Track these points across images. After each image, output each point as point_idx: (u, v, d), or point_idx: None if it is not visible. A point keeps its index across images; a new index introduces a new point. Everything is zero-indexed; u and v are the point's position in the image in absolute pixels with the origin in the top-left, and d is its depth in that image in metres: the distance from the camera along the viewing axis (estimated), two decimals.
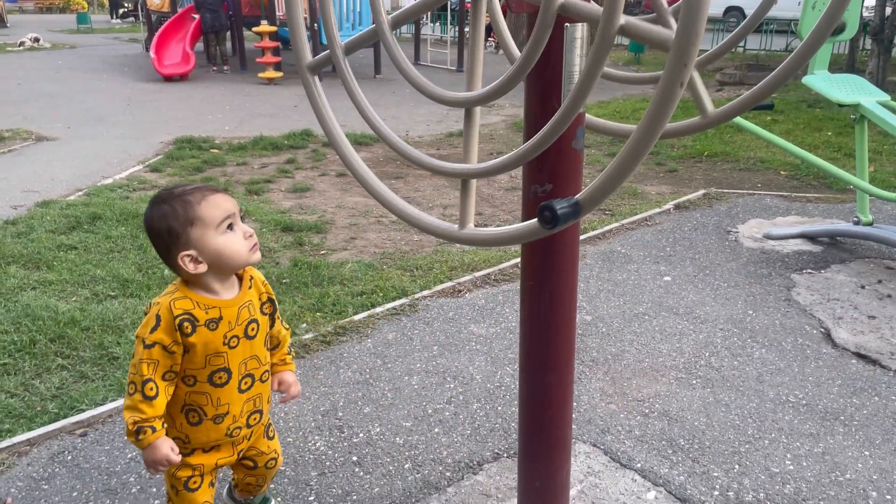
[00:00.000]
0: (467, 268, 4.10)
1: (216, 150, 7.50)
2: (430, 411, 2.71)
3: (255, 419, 1.77)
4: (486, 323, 3.44)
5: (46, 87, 12.16)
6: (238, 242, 1.61)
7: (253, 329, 1.69)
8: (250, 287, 1.71)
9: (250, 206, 5.39)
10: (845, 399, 2.81)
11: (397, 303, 3.62)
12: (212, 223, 1.57)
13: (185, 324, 1.57)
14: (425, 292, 3.73)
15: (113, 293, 3.85)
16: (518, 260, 4.17)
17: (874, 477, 2.36)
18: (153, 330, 1.56)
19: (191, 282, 1.62)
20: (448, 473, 2.36)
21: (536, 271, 1.79)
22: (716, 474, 2.38)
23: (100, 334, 3.34)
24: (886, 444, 2.52)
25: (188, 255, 1.57)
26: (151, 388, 1.56)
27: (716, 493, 2.29)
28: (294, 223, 5.00)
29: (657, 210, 5.19)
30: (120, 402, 2.75)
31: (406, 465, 2.39)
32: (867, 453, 2.48)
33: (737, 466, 2.42)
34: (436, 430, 2.60)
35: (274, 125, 8.87)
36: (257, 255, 1.65)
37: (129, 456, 2.47)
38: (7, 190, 5.90)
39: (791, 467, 2.41)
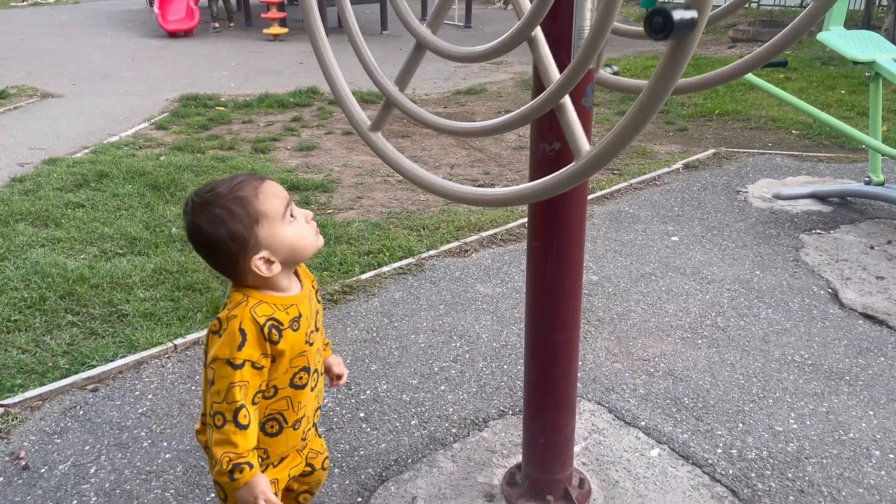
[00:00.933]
0: (474, 227, 4.09)
1: (222, 108, 7.45)
2: (436, 369, 2.73)
3: (317, 416, 1.65)
4: (493, 283, 3.45)
5: (50, 44, 12.04)
6: (306, 230, 1.46)
7: (320, 319, 1.57)
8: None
9: (256, 165, 5.37)
10: (851, 359, 2.82)
11: (404, 262, 3.62)
12: (277, 215, 1.40)
13: (273, 331, 1.39)
14: (431, 252, 3.73)
15: (121, 251, 3.87)
16: (524, 220, 4.16)
17: (877, 436, 2.38)
18: (241, 346, 1.35)
19: (258, 285, 1.44)
20: (454, 430, 2.39)
21: (543, 231, 1.78)
22: (719, 432, 2.40)
23: (109, 291, 3.36)
24: (891, 405, 2.54)
25: (261, 258, 1.39)
26: (245, 416, 1.36)
27: (719, 450, 2.31)
28: (300, 182, 4.98)
29: (666, 170, 5.14)
30: (130, 358, 2.78)
31: (413, 422, 2.42)
32: (871, 413, 2.50)
33: (740, 425, 2.44)
34: (442, 387, 2.63)
35: (279, 82, 8.78)
36: (321, 239, 1.51)
37: (140, 411, 2.51)
38: (14, 147, 5.89)
39: (794, 426, 2.43)
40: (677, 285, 3.44)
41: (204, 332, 2.96)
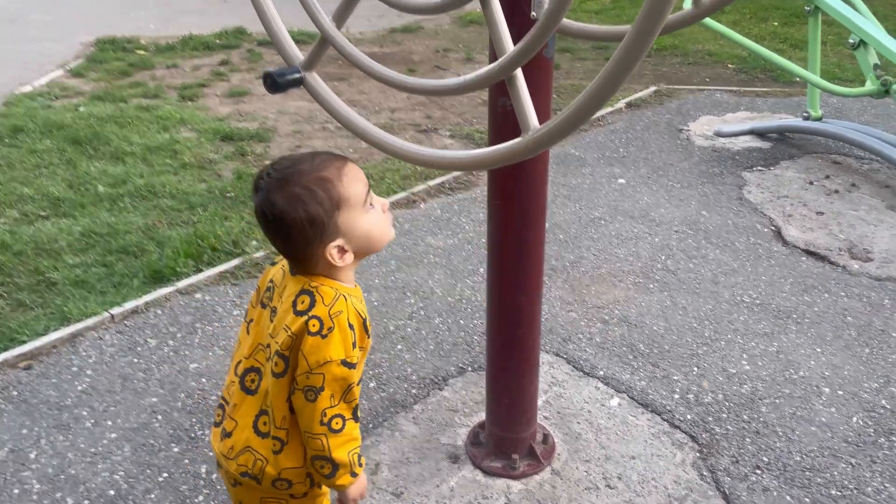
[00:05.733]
0: (420, 176, 3.98)
1: (142, 52, 6.99)
2: (391, 328, 2.67)
3: None
4: (444, 234, 3.37)
5: None
6: (383, 220, 1.35)
7: None
8: None
9: (185, 114, 5.08)
10: (797, 297, 2.88)
11: None
12: (358, 202, 1.28)
13: (368, 323, 1.33)
14: None
15: (44, 213, 3.62)
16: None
17: (826, 373, 2.44)
18: (354, 344, 1.27)
19: (325, 274, 1.32)
20: (414, 390, 2.35)
21: (504, 191, 1.71)
22: (675, 377, 2.43)
23: (34, 258, 3.15)
24: (837, 341, 2.61)
25: (336, 246, 1.27)
26: (359, 409, 1.34)
27: (676, 396, 2.34)
28: (234, 132, 4.74)
29: (609, 110, 5.10)
30: (63, 331, 2.61)
31: (371, 385, 2.36)
32: (819, 350, 2.56)
33: (695, 369, 2.47)
34: (399, 346, 2.57)
35: (204, 22, 8.29)
36: (394, 231, 1.40)
37: (80, 388, 2.36)
38: None
39: (747, 367, 2.48)
40: (626, 229, 3.44)
41: (142, 300, 2.81)
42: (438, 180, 3.92)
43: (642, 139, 4.58)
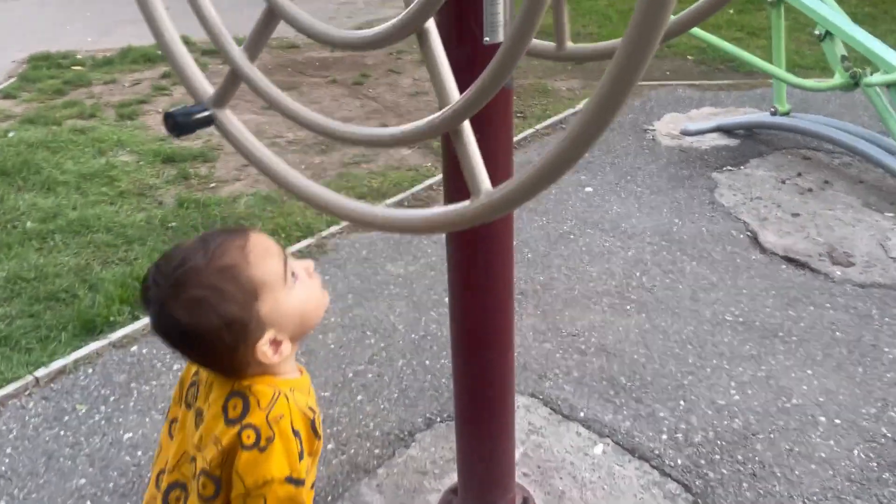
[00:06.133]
0: (377, 194, 3.74)
1: (79, 67, 6.61)
2: (350, 375, 2.43)
3: None
4: (404, 260, 3.14)
5: None
6: (312, 289, 1.12)
7: None
8: None
9: (123, 135, 4.76)
10: (781, 312, 2.71)
11: (303, 244, 3.24)
12: (278, 280, 1.05)
13: (318, 421, 1.11)
14: (333, 228, 3.36)
15: None
16: (432, 181, 3.85)
17: (820, 399, 2.28)
18: (301, 454, 1.04)
19: (261, 373, 1.08)
20: (377, 450, 2.12)
21: (465, 238, 1.48)
22: (662, 414, 2.24)
23: None
24: (828, 361, 2.45)
25: (269, 341, 1.04)
26: None
27: (664, 436, 2.15)
28: (176, 152, 4.43)
29: (571, 111, 4.92)
30: None
31: (329, 447, 2.12)
32: (810, 372, 2.40)
33: (682, 403, 2.28)
34: (359, 397, 2.33)
35: (144, 33, 7.76)
36: (327, 295, 1.18)
37: None
38: None
39: (736, 397, 2.30)
40: (598, 243, 3.25)
41: (71, 357, 2.53)
42: (396, 198, 3.68)
43: (607, 141, 4.39)
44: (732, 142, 4.32)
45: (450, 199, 1.50)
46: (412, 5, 1.01)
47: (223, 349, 1.02)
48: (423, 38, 1.05)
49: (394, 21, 1.04)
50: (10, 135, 4.79)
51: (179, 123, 1.35)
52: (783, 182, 3.78)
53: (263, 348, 1.04)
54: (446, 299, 2.84)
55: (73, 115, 5.25)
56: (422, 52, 1.06)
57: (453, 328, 1.64)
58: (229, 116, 1.41)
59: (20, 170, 4.18)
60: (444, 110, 1.03)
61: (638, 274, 3.00)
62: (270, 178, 1.34)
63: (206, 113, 1.40)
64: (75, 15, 9.20)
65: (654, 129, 4.56)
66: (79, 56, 7.03)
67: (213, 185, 4.04)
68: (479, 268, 1.50)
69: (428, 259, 3.13)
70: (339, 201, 1.17)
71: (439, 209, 1.08)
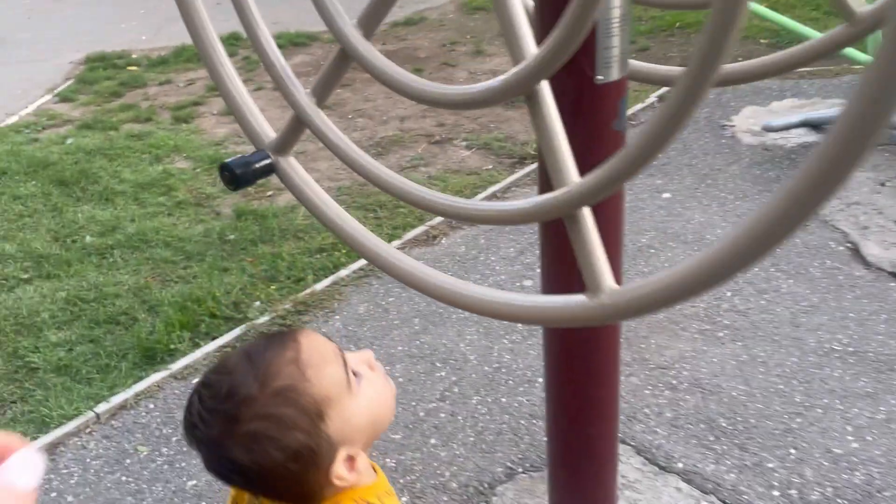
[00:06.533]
0: None
1: (134, 67, 6.60)
2: (421, 414, 2.26)
3: None
4: (471, 278, 2.95)
5: None
6: (378, 384, 0.95)
7: None
8: None
9: (179, 140, 4.68)
10: None
11: (364, 261, 3.08)
12: (342, 389, 0.89)
13: None
14: (395, 243, 3.19)
15: (26, 275, 3.25)
16: (495, 188, 3.65)
17: None
18: None
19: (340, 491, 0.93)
20: None
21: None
22: (770, 465, 2.01)
23: (13, 338, 2.78)
24: None
25: (344, 462, 0.88)
26: None
27: (776, 493, 1.92)
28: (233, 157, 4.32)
29: (640, 105, 4.63)
30: (42, 440, 2.24)
31: (403, 500, 1.97)
32: None
33: (792, 451, 2.05)
34: (432, 440, 2.17)
35: None
36: (392, 384, 1.01)
37: None
38: None
39: (855, 445, 2.05)
40: (681, 258, 3.00)
41: (132, 390, 2.42)
42: None
43: (682, 140, 4.11)
44: (821, 138, 3.98)
45: (550, 286, 1.34)
46: (527, 63, 0.82)
47: (293, 482, 0.86)
48: (533, 100, 0.86)
49: (502, 78, 0.86)
50: (69, 142, 4.77)
51: (238, 176, 1.20)
52: (882, 184, 3.45)
53: (339, 471, 0.88)
54: (519, 325, 2.66)
55: (130, 119, 5.21)
56: (531, 117, 0.87)
57: (547, 366, 1.46)
58: (293, 164, 1.26)
59: (78, 179, 4.14)
60: (560, 190, 0.85)
61: (729, 294, 2.75)
62: (341, 238, 1.20)
63: (266, 161, 1.25)
64: (129, 12, 9.23)
65: (734, 125, 4.25)
66: (134, 56, 7.03)
67: (270, 193, 3.92)
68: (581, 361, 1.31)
69: (497, 277, 2.94)
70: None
71: (555, 300, 0.92)
